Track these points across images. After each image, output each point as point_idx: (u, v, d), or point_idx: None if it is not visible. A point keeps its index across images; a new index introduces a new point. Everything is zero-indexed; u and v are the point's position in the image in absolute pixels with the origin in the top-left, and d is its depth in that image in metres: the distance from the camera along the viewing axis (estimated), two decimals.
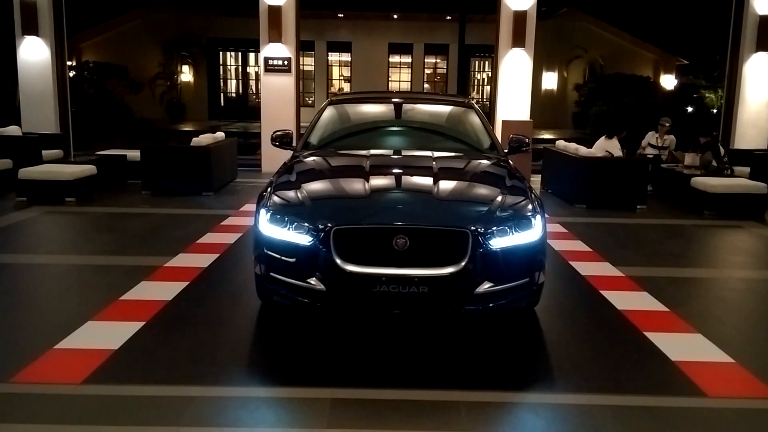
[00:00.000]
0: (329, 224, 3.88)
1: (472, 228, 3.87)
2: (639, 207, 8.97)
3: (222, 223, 7.35)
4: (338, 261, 3.83)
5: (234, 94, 28.53)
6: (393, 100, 6.12)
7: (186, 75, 26.72)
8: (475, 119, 5.78)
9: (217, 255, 5.94)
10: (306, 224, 3.94)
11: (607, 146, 10.10)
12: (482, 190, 4.51)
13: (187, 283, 5.11)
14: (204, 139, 9.60)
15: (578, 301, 4.93)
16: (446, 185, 4.39)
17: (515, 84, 11.88)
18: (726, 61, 12.41)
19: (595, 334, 4.26)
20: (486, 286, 3.93)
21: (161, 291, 4.88)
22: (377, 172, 4.64)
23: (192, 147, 9.35)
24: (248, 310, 4.55)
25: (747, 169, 9.95)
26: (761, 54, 11.68)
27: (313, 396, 3.35)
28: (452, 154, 5.24)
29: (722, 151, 10.00)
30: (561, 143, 10.43)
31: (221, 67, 27.89)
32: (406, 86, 27.13)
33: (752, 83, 11.83)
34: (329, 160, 5.00)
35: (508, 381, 3.58)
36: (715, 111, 19.93)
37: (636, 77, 23.43)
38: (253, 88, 27.80)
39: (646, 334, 4.22)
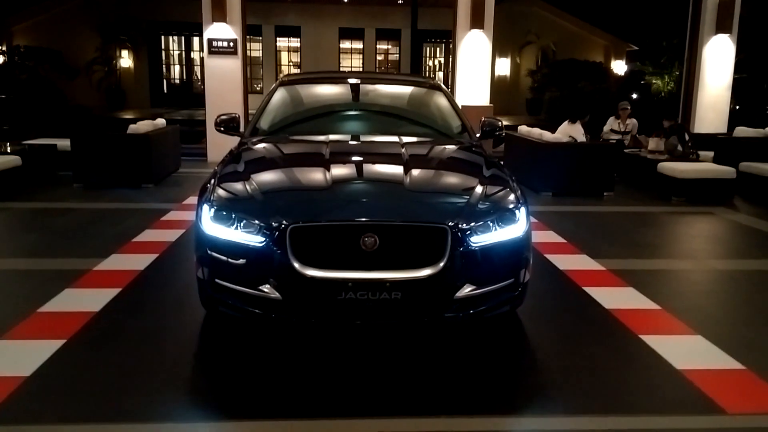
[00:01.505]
0: (284, 222, 3.29)
1: (451, 224, 3.34)
2: (606, 194, 8.63)
3: (162, 219, 6.64)
4: (296, 265, 3.25)
5: (177, 81, 27.31)
6: (352, 80, 5.51)
7: (125, 60, 25.39)
8: (443, 101, 5.24)
9: (156, 255, 5.26)
10: (257, 222, 3.35)
11: (570, 131, 9.73)
12: (460, 181, 3.98)
13: (120, 289, 4.43)
14: (142, 126, 8.80)
15: (562, 301, 4.47)
16: (419, 175, 3.84)
17: (474, 67, 11.41)
18: (685, 45, 12.22)
19: (586, 341, 3.80)
20: (467, 289, 3.41)
21: (88, 300, 4.20)
22: (339, 159, 4.06)
23: (129, 135, 8.54)
24: (191, 322, 3.92)
25: (710, 154, 9.75)
26: (721, 36, 11.51)
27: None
28: (422, 139, 4.69)
29: (687, 135, 9.75)
30: (524, 128, 10.01)
31: (163, 52, 26.62)
32: None
33: (712, 66, 11.66)
34: (282, 148, 4.40)
35: (496, 403, 3.07)
36: (662, 97, 19.99)
37: (589, 63, 23.37)
38: (198, 74, 26.63)
39: (642, 337, 3.78)
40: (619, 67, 25.40)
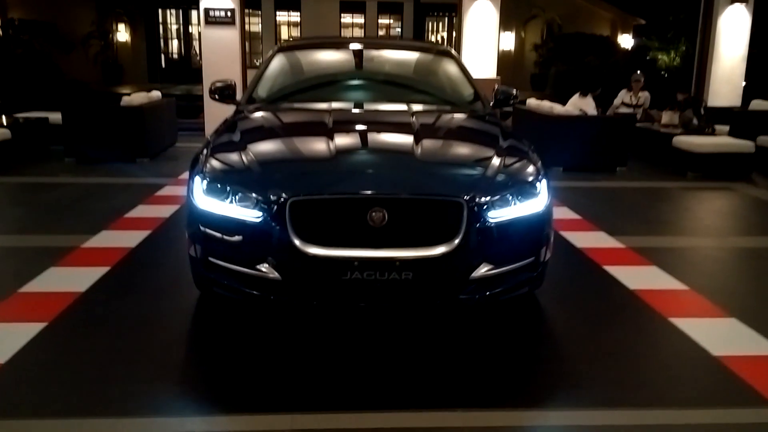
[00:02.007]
0: (283, 195, 2.98)
1: (467, 197, 3.03)
2: (619, 169, 8.30)
3: (156, 194, 6.33)
4: (296, 242, 2.95)
5: (176, 56, 26.81)
6: (355, 45, 5.16)
7: (122, 34, 24.89)
8: (454, 68, 4.89)
9: (148, 232, 4.96)
10: (253, 195, 3.05)
11: (581, 104, 9.36)
12: (475, 151, 3.67)
13: (108, 268, 4.14)
14: (136, 98, 8.45)
15: (582, 281, 4.18)
16: (431, 144, 3.52)
17: (481, 38, 10.99)
18: (692, 18, 11.79)
19: (611, 325, 3.50)
20: (484, 269, 3.12)
21: (73, 280, 3.91)
22: (343, 128, 3.74)
23: (122, 107, 8.19)
24: (183, 304, 3.63)
25: (726, 128, 9.39)
26: (737, 6, 11.07)
27: (267, 427, 2.50)
28: (432, 107, 4.35)
29: (702, 108, 9.39)
30: (533, 102, 9.65)
31: (161, 26, 26.11)
32: None
33: (727, 37, 11.24)
34: (281, 116, 4.07)
35: (514, 395, 2.78)
36: (665, 73, 19.57)
37: (596, 37, 22.86)
38: (197, 48, 26.09)
39: (672, 320, 3.49)
40: (626, 41, 24.88)
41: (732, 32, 11.21)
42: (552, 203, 3.40)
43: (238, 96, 4.62)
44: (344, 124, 3.84)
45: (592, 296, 3.91)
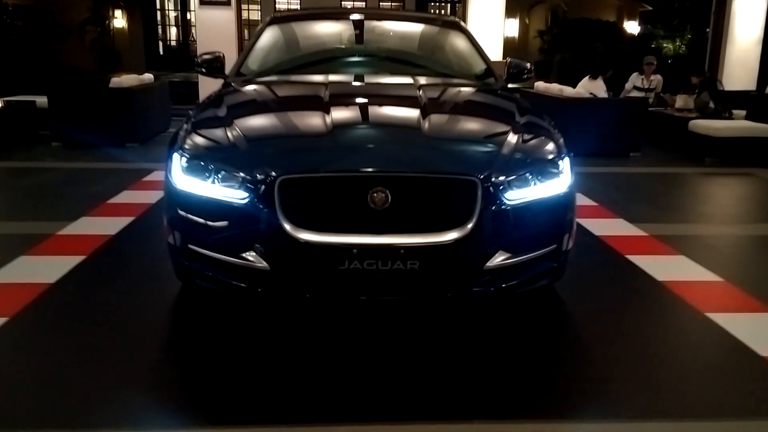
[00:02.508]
0: (272, 172, 2.61)
1: (481, 176, 2.66)
2: (632, 154, 7.91)
3: (144, 179, 5.94)
4: (287, 227, 2.58)
5: (174, 43, 26.38)
6: (355, 16, 4.75)
7: (119, 21, 24.42)
8: (462, 40, 4.49)
9: (132, 219, 4.59)
10: (239, 173, 2.68)
11: (591, 87, 8.96)
12: (490, 127, 3.28)
13: (83, 257, 3.77)
14: (126, 80, 8.05)
15: (604, 272, 3.80)
16: (440, 119, 3.14)
17: (486, 24, 10.60)
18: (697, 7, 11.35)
19: (639, 320, 3.13)
20: (500, 258, 2.75)
21: (43, 270, 3.54)
22: (341, 102, 3.35)
23: (110, 89, 7.80)
24: (162, 297, 3.26)
25: (742, 113, 8.98)
26: None
27: None
28: (441, 80, 3.95)
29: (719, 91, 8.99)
30: (541, 84, 9.26)
31: (158, 12, 25.64)
32: None
33: (742, 19, 10.83)
34: (272, 90, 3.68)
35: (538, 402, 2.41)
36: (670, 61, 19.15)
37: (602, 22, 22.33)
38: (195, 35, 25.69)
39: (709, 316, 3.12)
40: (632, 27, 24.40)
41: (747, 13, 10.80)
42: (575, 185, 3.02)
43: (228, 71, 4.23)
44: (342, 97, 3.46)
45: (616, 289, 3.54)
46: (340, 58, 4.38)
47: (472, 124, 3.31)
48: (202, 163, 2.77)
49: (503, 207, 2.70)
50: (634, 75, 10.13)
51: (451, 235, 2.62)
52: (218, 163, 2.74)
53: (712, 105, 8.64)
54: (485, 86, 3.95)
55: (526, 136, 3.03)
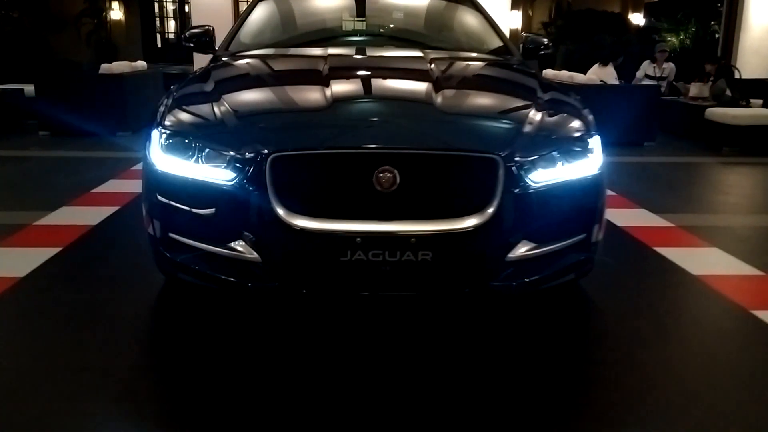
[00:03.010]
0: (263, 149, 2.27)
1: (504, 153, 2.31)
2: (647, 144, 7.55)
3: (133, 168, 5.58)
4: (280, 212, 2.25)
5: (172, 35, 25.99)
6: None
7: (116, 13, 24.03)
8: (475, 15, 4.14)
9: (115, 209, 4.24)
10: (225, 150, 2.34)
11: (601, 74, 8.62)
12: (511, 102, 2.91)
13: (59, 249, 3.43)
14: (117, 67, 7.71)
15: (633, 265, 3.45)
16: (455, 93, 2.79)
17: (491, 13, 10.17)
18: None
19: (682, 322, 2.80)
20: (524, 248, 2.41)
21: (13, 263, 3.21)
22: (342, 75, 2.99)
23: (100, 75, 7.45)
24: (143, 295, 2.91)
25: (759, 101, 8.61)
26: None
27: None
28: (454, 54, 3.59)
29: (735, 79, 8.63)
30: (550, 72, 8.90)
31: (156, 4, 25.26)
32: None
33: (757, 6, 10.44)
34: (266, 63, 3.32)
35: (572, 418, 2.07)
36: (673, 55, 18.80)
37: (608, 14, 21.94)
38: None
39: (758, 315, 2.77)
40: (637, 19, 24.00)
41: (762, 1, 10.41)
42: (606, 167, 2.68)
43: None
44: (343, 70, 3.10)
45: (649, 284, 3.19)
46: (340, 33, 4.02)
47: (491, 100, 2.96)
48: (185, 141, 2.44)
49: (528, 190, 2.36)
50: (646, 63, 9.77)
51: (469, 222, 2.28)
52: (202, 140, 2.41)
53: (728, 93, 8.27)
54: (503, 62, 3.59)
55: (551, 113, 2.68)
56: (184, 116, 2.62)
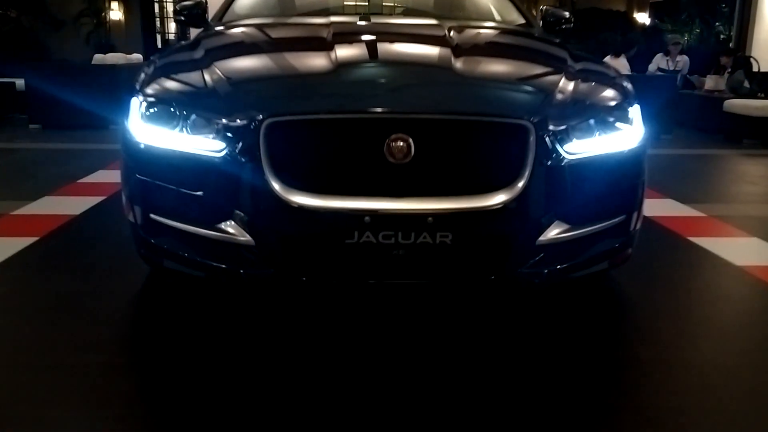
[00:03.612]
0: (258, 114, 1.95)
1: (535, 119, 2.00)
2: (663, 136, 7.24)
3: None
4: (276, 187, 1.94)
5: (173, 36, 25.74)
6: None
7: (116, 13, 23.78)
8: None
9: (101, 198, 3.93)
10: (214, 117, 2.03)
11: (614, 65, 8.26)
12: (540, 70, 2.58)
13: (35, 239, 3.12)
14: (111, 58, 7.44)
15: (669, 256, 3.12)
16: (476, 58, 2.48)
17: None
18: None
19: (735, 319, 2.47)
20: (556, 230, 2.09)
21: None
22: (349, 39, 2.67)
23: (93, 66, 7.16)
24: (126, 286, 2.60)
25: None
26: None
27: None
28: (473, 23, 3.26)
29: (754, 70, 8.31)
30: None
31: (156, 4, 25.02)
32: None
33: None
34: (266, 30, 3.00)
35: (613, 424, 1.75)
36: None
37: (613, 12, 21.70)
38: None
39: None
40: (642, 18, 23.73)
41: None
42: (648, 141, 2.37)
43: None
44: (350, 35, 2.77)
45: (689, 276, 2.88)
46: (346, 5, 3.70)
47: (517, 66, 2.62)
48: (169, 109, 2.14)
49: (562, 162, 2.04)
50: (659, 56, 9.46)
51: (496, 199, 1.97)
52: (188, 107, 2.10)
53: (747, 84, 7.97)
54: (527, 32, 3.27)
55: (585, 80, 2.37)
56: (169, 83, 2.31)
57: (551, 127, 2.02)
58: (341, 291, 2.45)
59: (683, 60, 9.32)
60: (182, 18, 3.45)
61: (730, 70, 8.35)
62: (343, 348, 2.09)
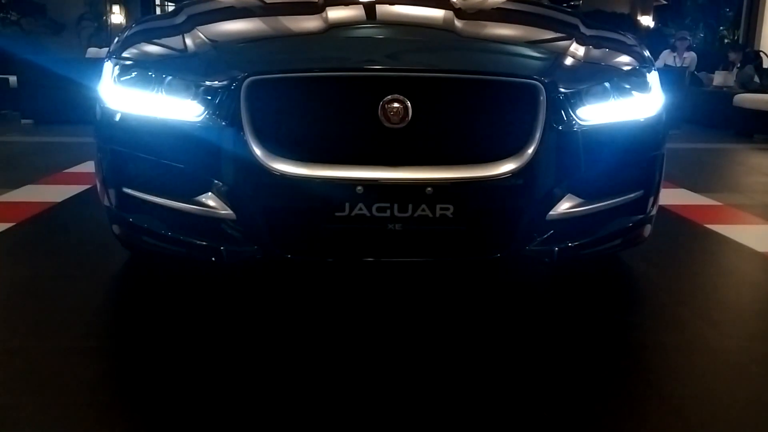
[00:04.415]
0: (239, 73, 1.76)
1: (547, 79, 1.80)
2: (672, 131, 7.02)
3: None
4: (258, 153, 1.75)
5: None
6: None
7: (117, 16, 23.69)
8: None
9: (86, 187, 3.73)
10: (192, 78, 1.84)
11: None
12: (550, 34, 2.37)
13: (10, 225, 2.93)
14: (106, 52, 7.22)
15: (686, 242, 2.92)
16: (481, 22, 2.29)
17: None
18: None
19: (758, 307, 2.27)
20: (568, 204, 1.90)
21: None
22: (343, 2, 2.48)
23: (87, 59, 7.01)
24: (101, 271, 2.40)
25: None
26: None
27: None
28: None
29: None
30: None
31: (158, 8, 24.94)
32: None
33: None
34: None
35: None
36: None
37: (617, 14, 21.51)
38: None
39: None
40: (646, 21, 23.57)
41: None
42: (665, 111, 2.18)
43: None
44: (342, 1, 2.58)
45: (710, 262, 2.70)
46: None
47: (526, 30, 2.41)
48: (145, 72, 1.95)
49: (575, 128, 1.85)
50: (666, 52, 9.26)
51: (503, 168, 1.78)
52: (165, 70, 1.91)
53: (757, 79, 7.77)
54: (536, 2, 3.07)
55: (598, 45, 2.18)
56: (146, 46, 2.14)
57: (563, 89, 1.83)
58: (330, 270, 2.25)
59: (690, 56, 9.12)
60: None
61: (739, 65, 8.16)
62: (328, 338, 1.90)
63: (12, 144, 5.61)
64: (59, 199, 3.43)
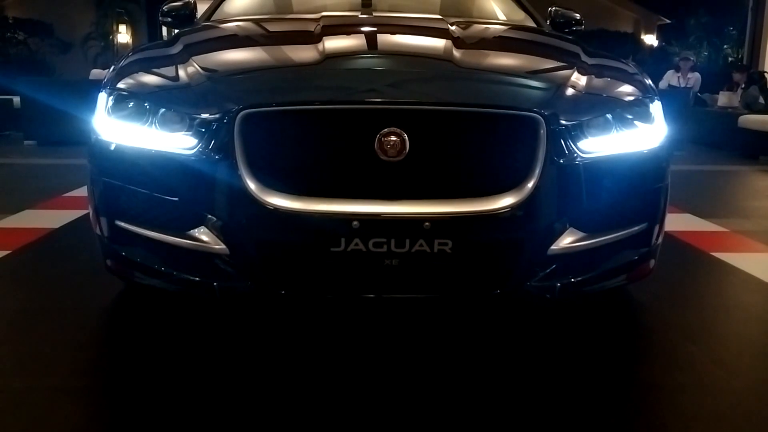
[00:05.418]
0: (233, 106, 1.73)
1: (547, 111, 1.77)
2: (676, 153, 6.98)
3: None
4: (252, 188, 1.71)
5: None
6: None
7: (123, 35, 23.89)
8: None
9: (83, 212, 3.67)
10: (186, 110, 1.81)
11: None
12: (551, 64, 2.33)
13: (6, 253, 2.89)
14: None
15: (692, 271, 2.86)
16: (480, 51, 2.26)
17: None
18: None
19: None
20: (570, 238, 1.85)
21: None
22: (339, 32, 2.45)
23: (90, 81, 7.03)
24: (94, 302, 2.36)
25: None
26: None
27: None
28: (477, 19, 3.04)
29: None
30: None
31: (164, 28, 25.12)
32: None
33: None
34: (252, 27, 2.78)
35: None
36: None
37: (620, 33, 21.63)
38: None
39: None
40: (650, 40, 23.65)
41: None
42: (670, 143, 2.14)
43: None
44: (341, 27, 2.55)
45: (717, 293, 2.64)
46: (341, 6, 3.48)
47: (526, 60, 2.38)
48: (138, 104, 1.93)
49: (576, 161, 1.81)
50: (670, 73, 9.25)
51: (502, 202, 1.74)
52: (159, 102, 1.88)
53: (762, 100, 7.73)
54: (538, 29, 3.05)
55: (600, 74, 2.14)
56: (140, 76, 2.11)
57: (564, 121, 1.80)
58: (326, 306, 2.20)
59: (695, 77, 9.10)
60: (169, 20, 3.27)
61: (743, 86, 8.13)
62: (329, 363, 1.84)
63: (12, 166, 5.60)
64: (56, 225, 3.40)
